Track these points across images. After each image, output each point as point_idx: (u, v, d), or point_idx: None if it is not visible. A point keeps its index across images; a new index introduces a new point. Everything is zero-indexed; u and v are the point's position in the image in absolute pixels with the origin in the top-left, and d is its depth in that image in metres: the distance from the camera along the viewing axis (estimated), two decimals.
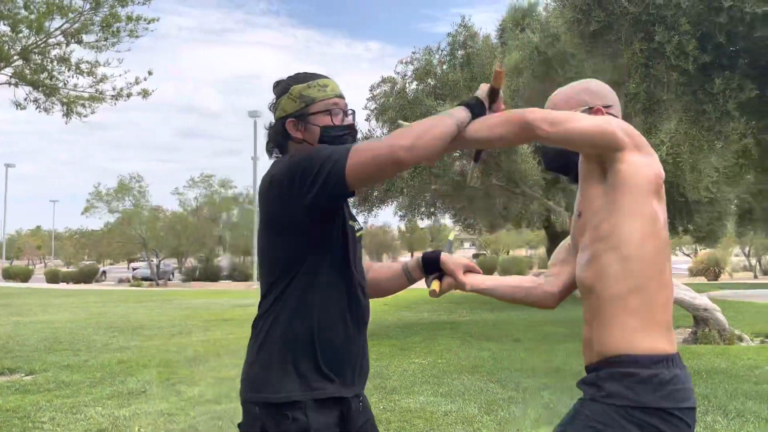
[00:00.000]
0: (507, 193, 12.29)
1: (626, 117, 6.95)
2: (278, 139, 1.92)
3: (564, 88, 2.03)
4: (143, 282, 35.45)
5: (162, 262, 38.51)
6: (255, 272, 33.89)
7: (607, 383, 1.69)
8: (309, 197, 1.73)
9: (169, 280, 38.37)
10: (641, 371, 1.66)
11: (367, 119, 11.35)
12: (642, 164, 1.75)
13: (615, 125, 1.77)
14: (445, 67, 11.26)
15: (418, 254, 2.17)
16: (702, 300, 9.38)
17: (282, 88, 1.93)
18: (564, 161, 1.99)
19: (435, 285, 2.05)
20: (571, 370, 7.10)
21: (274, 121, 1.94)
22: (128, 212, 35.28)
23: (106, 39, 9.40)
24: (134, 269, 42.57)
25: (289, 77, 1.94)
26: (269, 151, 1.98)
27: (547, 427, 4.87)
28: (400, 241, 63.73)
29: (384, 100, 10.91)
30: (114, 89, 9.59)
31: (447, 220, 16.13)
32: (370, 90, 11.20)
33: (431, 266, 2.09)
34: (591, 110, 1.91)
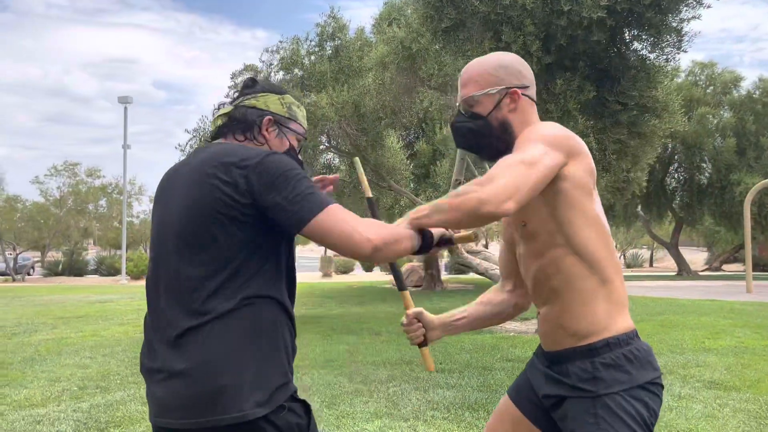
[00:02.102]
0: (375, 187, 12.33)
1: None
2: (249, 122, 1.78)
3: (477, 61, 1.94)
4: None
5: (20, 255, 35.92)
6: (123, 266, 32.31)
7: (604, 373, 1.75)
8: (268, 202, 1.59)
9: (29, 274, 35.86)
10: (626, 350, 1.77)
11: None
12: (578, 173, 1.79)
13: (542, 156, 1.71)
14: (312, 58, 11.11)
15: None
16: None
17: (275, 88, 1.89)
18: (476, 140, 1.93)
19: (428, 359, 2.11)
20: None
21: (242, 104, 1.81)
22: None
23: None
24: None
25: (279, 86, 1.92)
26: (225, 129, 1.80)
27: (385, 419, 4.87)
28: None
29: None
30: None
31: None
32: (231, 78, 10.88)
33: None
34: (507, 92, 1.86)
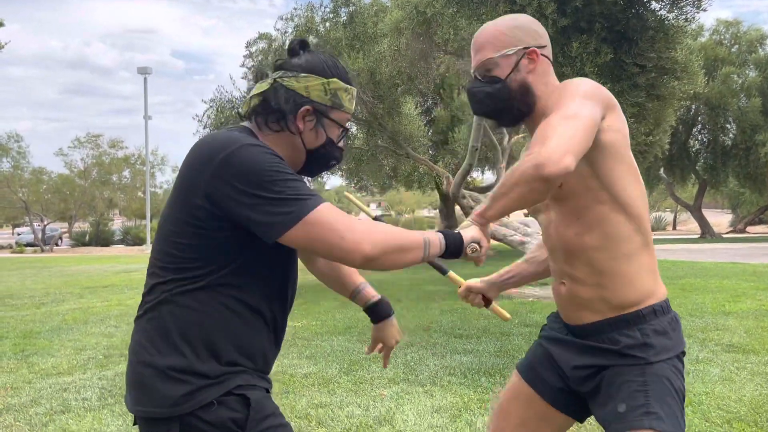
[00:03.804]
0: (393, 155, 12.31)
1: None
2: (283, 110, 1.58)
3: (491, 24, 1.86)
4: (27, 248, 33.59)
5: (48, 226, 36.54)
6: (148, 236, 32.79)
7: (655, 339, 1.73)
8: (243, 210, 1.46)
9: (57, 245, 36.51)
10: (668, 318, 1.77)
11: (244, 77, 11.01)
12: (617, 123, 1.73)
13: (581, 107, 1.64)
14: (327, 25, 11.03)
15: (369, 293, 2.03)
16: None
17: (321, 67, 1.61)
18: (493, 105, 1.85)
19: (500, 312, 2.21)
20: (441, 328, 7.26)
21: (282, 83, 1.59)
22: (6, 174, 33.20)
23: None
24: (18, 234, 40.30)
25: (331, 61, 1.64)
26: (258, 111, 1.61)
27: (402, 385, 4.94)
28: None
29: (262, 58, 10.60)
30: None
31: (339, 181, 16.02)
32: (246, 47, 10.84)
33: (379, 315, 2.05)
34: (525, 52, 1.79)
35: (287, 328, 6.08)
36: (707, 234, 29.08)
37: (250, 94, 1.64)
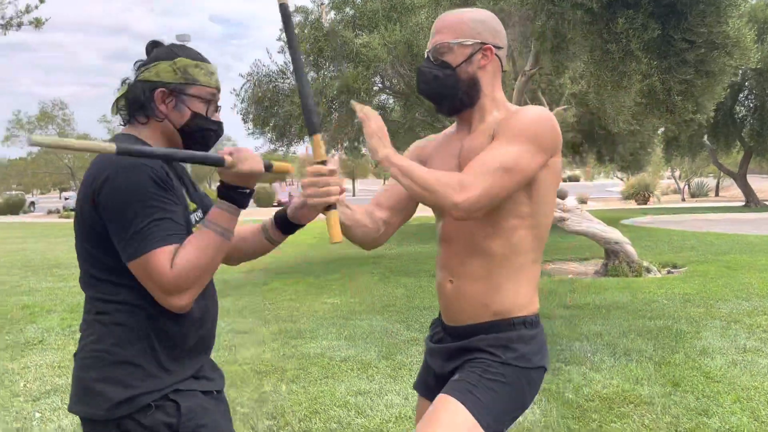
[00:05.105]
0: (430, 128, 12.18)
1: (535, 56, 6.77)
2: (141, 101, 1.70)
3: (457, 11, 1.90)
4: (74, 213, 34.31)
5: None
6: None
7: (519, 345, 1.83)
8: (111, 231, 1.59)
9: None
10: (536, 332, 1.88)
11: (281, 51, 10.94)
12: (557, 165, 1.84)
13: (525, 160, 1.74)
14: None
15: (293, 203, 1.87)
16: (613, 233, 9.62)
17: (166, 52, 1.73)
18: (439, 90, 1.88)
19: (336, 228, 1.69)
20: None
21: (137, 79, 1.72)
22: None
23: None
24: (66, 199, 41.16)
25: (176, 46, 1.76)
26: (123, 111, 1.75)
27: None
28: (341, 169, 63.07)
29: (298, 31, 10.49)
30: (2, 18, 8.91)
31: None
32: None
33: (286, 224, 1.89)
34: (483, 47, 1.84)
35: (324, 305, 6.06)
36: (751, 202, 28.31)
37: (116, 98, 1.76)
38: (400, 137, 12.43)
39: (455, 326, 1.91)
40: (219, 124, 1.80)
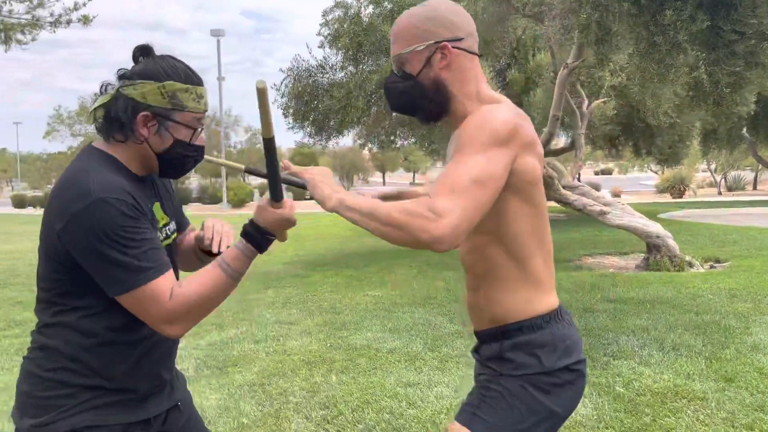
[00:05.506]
0: None
1: (579, 48, 6.71)
2: (122, 121, 1.60)
3: (406, 14, 1.77)
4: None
5: None
6: (224, 195, 33.70)
7: (512, 354, 1.73)
8: (88, 265, 1.53)
9: None
10: (539, 335, 1.73)
11: (321, 46, 11.01)
12: (527, 164, 1.66)
13: (493, 166, 1.57)
14: None
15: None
16: (654, 227, 9.52)
17: (156, 71, 1.61)
18: (409, 102, 1.78)
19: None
20: None
21: (120, 92, 1.60)
22: (91, 136, 34.58)
23: None
24: None
25: (168, 64, 1.63)
26: (100, 125, 1.64)
27: None
28: (371, 162, 63.36)
29: (338, 26, 10.55)
30: (52, 15, 9.12)
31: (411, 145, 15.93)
32: (323, 15, 10.81)
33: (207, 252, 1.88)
34: (437, 47, 1.70)
35: (366, 297, 6.07)
36: None
37: (93, 107, 1.65)
38: (437, 132, 12.43)
39: (474, 331, 1.88)
40: (200, 150, 1.72)
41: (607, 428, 3.72)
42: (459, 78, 1.73)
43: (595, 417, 3.87)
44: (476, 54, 1.77)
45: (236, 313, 7.17)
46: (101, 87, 1.65)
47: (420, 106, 1.76)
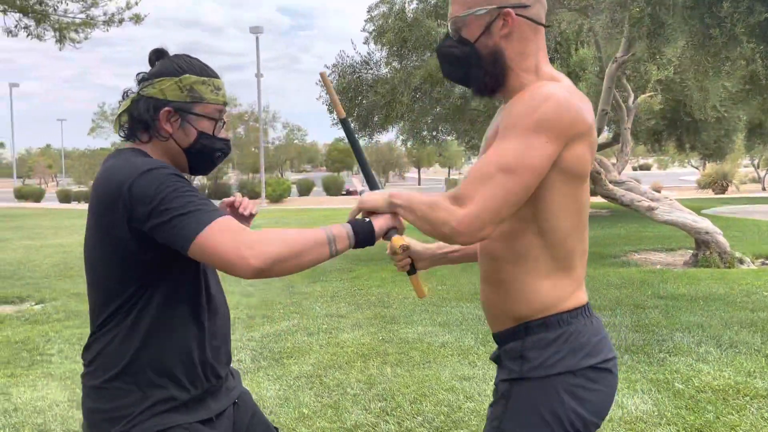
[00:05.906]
0: None
1: (629, 41, 6.65)
2: (145, 120, 1.62)
3: None
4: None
5: None
6: (263, 190, 34.11)
7: (533, 353, 1.58)
8: (148, 226, 1.50)
9: None
10: (564, 330, 1.58)
11: (366, 42, 11.07)
12: (574, 158, 1.52)
13: (529, 154, 1.46)
14: None
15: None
16: (703, 223, 9.38)
17: (171, 68, 1.64)
18: (463, 70, 1.63)
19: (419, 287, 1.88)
20: None
21: (140, 94, 1.64)
22: None
23: None
24: None
25: (183, 60, 1.67)
26: (126, 129, 1.67)
27: None
28: (407, 159, 63.35)
29: (382, 22, 10.60)
30: (105, 14, 9.36)
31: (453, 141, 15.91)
32: (368, 11, 10.87)
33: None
34: (500, 13, 1.55)
35: (413, 292, 6.08)
36: None
37: (117, 113, 1.68)
38: (479, 126, 12.41)
39: (493, 333, 1.73)
40: (226, 142, 1.74)
41: (669, 425, 3.70)
42: (519, 50, 1.58)
43: (656, 413, 3.86)
44: (542, 24, 1.60)
45: (286, 306, 7.28)
46: (123, 94, 1.68)
47: (474, 76, 1.61)
